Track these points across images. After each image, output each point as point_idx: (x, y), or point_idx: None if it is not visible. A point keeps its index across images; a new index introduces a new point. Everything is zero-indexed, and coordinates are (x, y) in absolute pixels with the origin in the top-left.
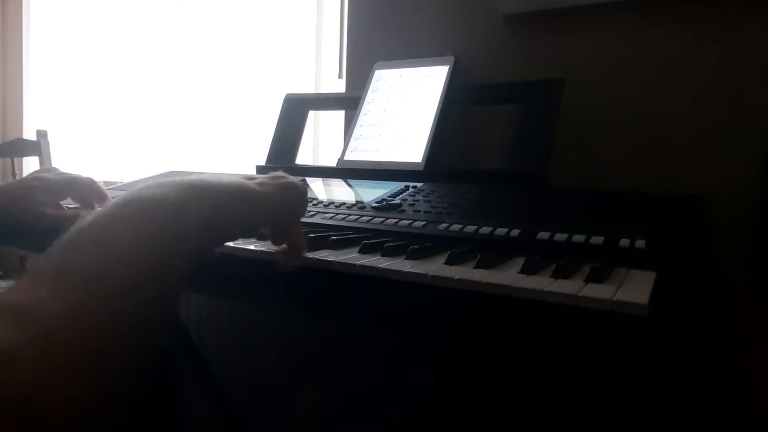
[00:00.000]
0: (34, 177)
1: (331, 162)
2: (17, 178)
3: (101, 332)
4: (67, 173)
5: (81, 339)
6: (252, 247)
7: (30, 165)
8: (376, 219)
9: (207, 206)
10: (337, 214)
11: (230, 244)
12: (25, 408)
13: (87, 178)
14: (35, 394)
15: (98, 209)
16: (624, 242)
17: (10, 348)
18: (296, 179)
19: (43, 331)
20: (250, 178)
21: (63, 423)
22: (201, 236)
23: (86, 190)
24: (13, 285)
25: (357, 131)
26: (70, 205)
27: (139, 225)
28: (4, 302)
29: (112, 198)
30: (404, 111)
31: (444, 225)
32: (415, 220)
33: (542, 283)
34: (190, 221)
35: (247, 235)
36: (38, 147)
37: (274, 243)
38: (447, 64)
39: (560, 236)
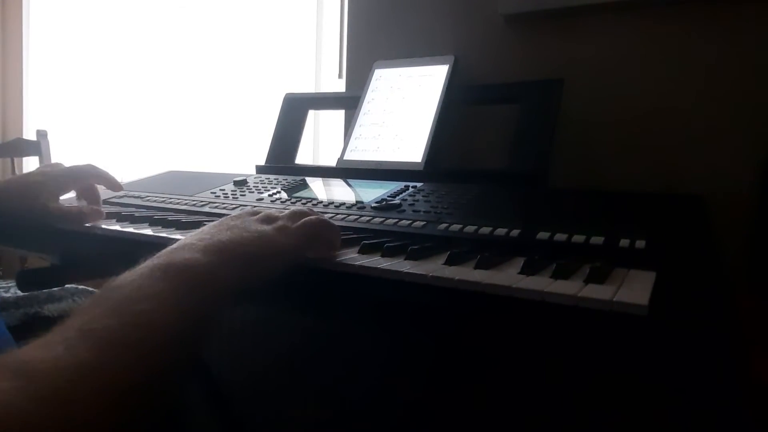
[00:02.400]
0: (37, 172)
1: (331, 162)
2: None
3: (112, 391)
4: (67, 167)
5: (88, 398)
6: None
7: (30, 165)
8: (375, 219)
9: (235, 267)
10: (337, 214)
11: None
12: None
13: (87, 164)
14: None
15: (96, 208)
16: (624, 242)
17: (12, 412)
18: (317, 216)
19: (50, 387)
20: (270, 218)
21: None
22: (231, 295)
23: (89, 177)
24: (37, 341)
25: (357, 131)
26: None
27: (171, 288)
28: (16, 360)
29: (111, 198)
30: (404, 110)
31: (444, 225)
32: (414, 220)
33: (542, 283)
34: (221, 285)
35: (271, 280)
36: (38, 147)
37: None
38: (447, 64)
39: (560, 236)
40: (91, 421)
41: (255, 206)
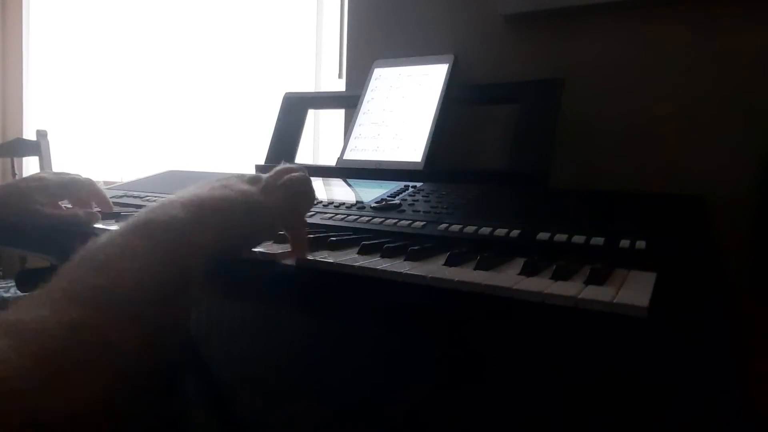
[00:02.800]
0: (33, 177)
1: (331, 161)
2: (17, 178)
3: (103, 350)
4: (66, 174)
5: (80, 356)
6: None
7: (30, 165)
8: (375, 219)
9: (216, 224)
10: (337, 214)
11: None
12: (27, 425)
13: (86, 179)
14: (30, 407)
15: (97, 208)
16: (624, 243)
17: (9, 368)
18: (299, 171)
19: (42, 347)
20: (255, 179)
21: None
22: (211, 253)
23: (85, 192)
24: (19, 303)
25: (356, 130)
26: (68, 206)
27: (148, 246)
28: (6, 320)
29: (111, 198)
30: (404, 110)
31: (444, 225)
32: (414, 221)
33: (542, 284)
34: (200, 241)
35: (255, 244)
36: (38, 147)
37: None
38: (447, 63)
39: (560, 237)
40: (86, 382)
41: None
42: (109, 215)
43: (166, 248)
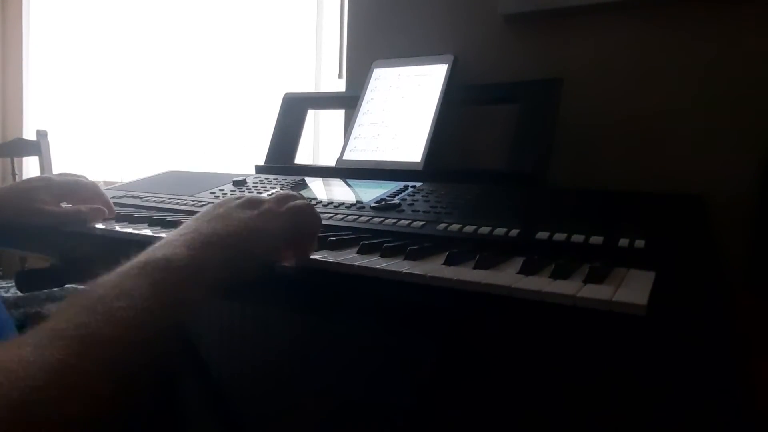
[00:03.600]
0: (38, 178)
1: (331, 162)
2: (17, 178)
3: (80, 388)
4: (71, 176)
5: (54, 397)
6: None
7: (30, 165)
8: (374, 219)
9: (218, 260)
10: (336, 214)
11: None
12: None
13: (90, 182)
14: None
15: (96, 207)
16: (623, 242)
17: None
18: (304, 201)
19: (15, 388)
20: (254, 203)
21: None
22: (213, 288)
23: (88, 195)
24: (5, 343)
25: (356, 130)
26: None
27: (146, 286)
28: None
29: (111, 198)
30: (403, 110)
31: (443, 225)
32: (413, 220)
33: (541, 283)
34: (203, 279)
35: (257, 270)
36: (38, 147)
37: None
38: (446, 64)
39: (559, 236)
40: (64, 423)
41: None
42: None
43: (163, 288)
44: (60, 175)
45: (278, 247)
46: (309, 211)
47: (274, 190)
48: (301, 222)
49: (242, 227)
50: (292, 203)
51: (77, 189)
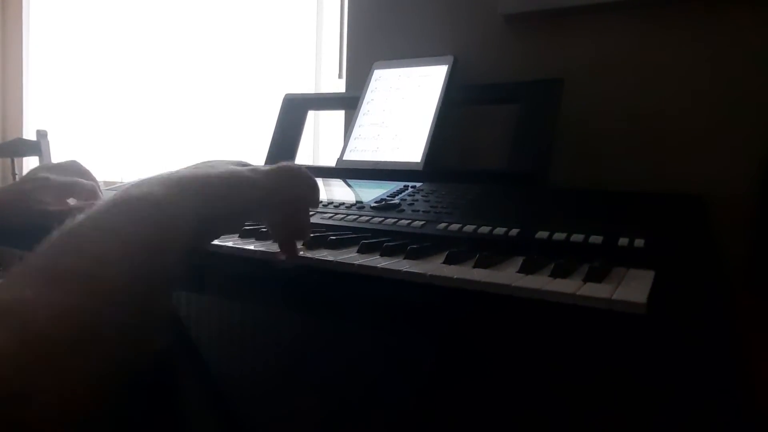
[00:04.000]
0: (36, 178)
1: (331, 162)
2: (17, 178)
3: (88, 330)
4: (70, 163)
5: (66, 337)
6: (252, 247)
7: (30, 165)
8: (375, 219)
9: (196, 199)
10: (336, 213)
11: (230, 243)
12: (4, 404)
13: (89, 183)
14: (15, 391)
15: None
16: (623, 241)
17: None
18: (299, 166)
19: (27, 330)
20: (244, 165)
21: (46, 421)
22: (192, 230)
23: (87, 195)
24: (4, 282)
25: (356, 131)
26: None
27: (127, 223)
28: None
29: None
30: (403, 111)
31: (443, 224)
32: (413, 220)
33: (541, 282)
34: (179, 216)
35: (240, 223)
36: (38, 147)
37: (275, 237)
38: (446, 64)
39: (559, 235)
40: (74, 367)
41: None
42: None
43: (145, 224)
44: (57, 166)
45: (257, 199)
46: (300, 172)
47: None
48: (288, 181)
49: (225, 173)
50: (284, 163)
51: (76, 189)
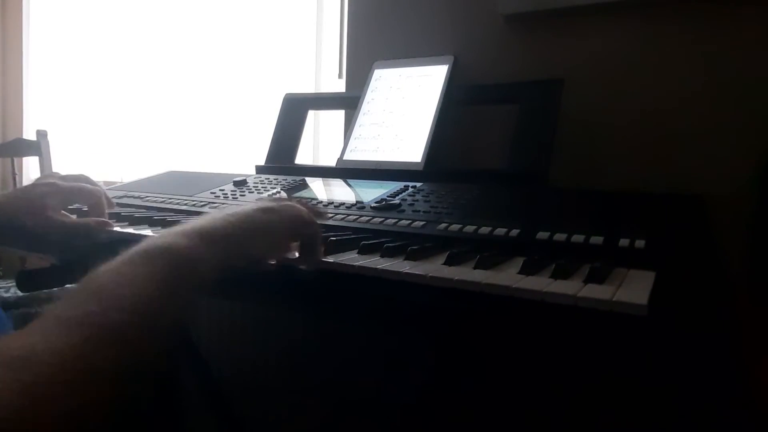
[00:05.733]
0: (44, 183)
1: (331, 162)
2: (17, 178)
3: (88, 374)
4: (76, 182)
5: (64, 382)
6: None
7: (30, 165)
8: (375, 219)
9: (218, 252)
10: (337, 214)
11: None
12: None
13: (95, 188)
14: None
15: (102, 220)
16: (624, 242)
17: None
18: (300, 207)
19: (28, 373)
20: (261, 202)
21: None
22: (212, 278)
23: (93, 201)
24: (15, 333)
25: (356, 131)
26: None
27: (151, 271)
28: None
29: (111, 198)
30: (404, 110)
31: (443, 225)
32: (414, 220)
33: (542, 283)
34: (202, 268)
35: (265, 263)
36: (38, 147)
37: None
38: (446, 64)
39: (560, 236)
40: (72, 406)
41: None
42: (110, 215)
43: (166, 274)
44: (65, 178)
45: (281, 240)
46: (309, 209)
47: (274, 191)
48: (300, 219)
49: (242, 219)
50: (291, 202)
51: (82, 195)
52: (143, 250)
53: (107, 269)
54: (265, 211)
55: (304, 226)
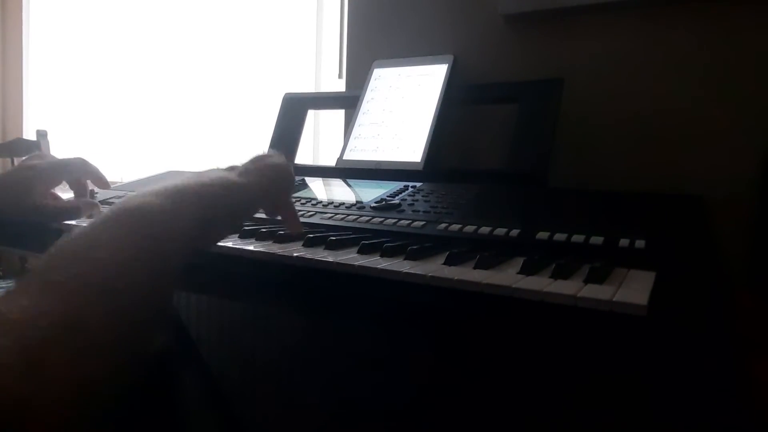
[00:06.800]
0: (25, 166)
1: (331, 161)
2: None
3: (85, 337)
4: (57, 158)
5: (64, 344)
6: (251, 248)
7: None
8: (375, 219)
9: (192, 205)
10: (336, 214)
11: (230, 244)
12: (6, 412)
13: (78, 159)
14: (16, 398)
15: (93, 187)
16: (624, 242)
17: None
18: (278, 158)
19: (27, 337)
20: (232, 168)
21: (47, 427)
22: (190, 235)
23: (80, 172)
24: (1, 294)
25: (356, 130)
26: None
27: (125, 233)
28: None
29: (111, 198)
30: (403, 110)
31: (443, 225)
32: (414, 220)
33: (542, 283)
34: (175, 223)
35: (238, 223)
36: (38, 147)
37: (269, 216)
38: (446, 63)
39: (560, 236)
40: (70, 370)
41: None
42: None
43: (141, 235)
44: (44, 157)
45: (255, 201)
46: (281, 167)
47: None
48: (273, 181)
49: (216, 182)
50: (266, 161)
51: (68, 170)
52: (117, 211)
53: (83, 232)
54: (243, 173)
55: (280, 180)
